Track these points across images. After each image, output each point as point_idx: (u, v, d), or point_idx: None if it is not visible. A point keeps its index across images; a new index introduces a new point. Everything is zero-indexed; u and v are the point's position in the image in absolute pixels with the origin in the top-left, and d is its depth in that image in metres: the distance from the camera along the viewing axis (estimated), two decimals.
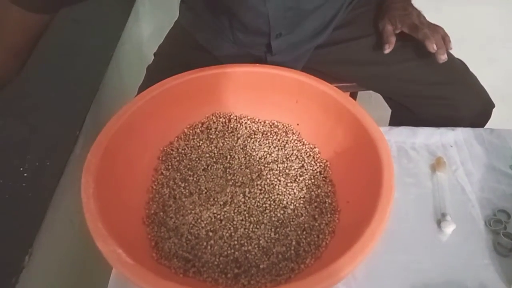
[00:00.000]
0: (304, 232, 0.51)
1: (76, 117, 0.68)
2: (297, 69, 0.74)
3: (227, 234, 0.50)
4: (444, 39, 0.66)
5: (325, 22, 0.72)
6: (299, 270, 0.48)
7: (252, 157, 0.59)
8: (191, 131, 0.62)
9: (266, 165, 0.58)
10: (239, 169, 0.58)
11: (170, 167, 0.58)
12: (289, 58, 0.73)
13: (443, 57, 0.64)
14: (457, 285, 0.51)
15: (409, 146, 0.66)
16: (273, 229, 0.51)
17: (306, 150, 0.60)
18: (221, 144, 0.61)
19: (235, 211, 0.52)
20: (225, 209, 0.53)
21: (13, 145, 0.62)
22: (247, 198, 0.54)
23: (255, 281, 0.47)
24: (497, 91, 0.78)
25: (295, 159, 0.59)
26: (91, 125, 0.72)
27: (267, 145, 0.61)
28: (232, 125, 0.63)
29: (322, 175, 0.57)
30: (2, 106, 0.66)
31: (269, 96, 0.63)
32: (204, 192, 0.55)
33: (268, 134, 0.62)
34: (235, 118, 0.64)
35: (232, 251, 0.49)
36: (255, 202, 0.53)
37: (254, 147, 0.61)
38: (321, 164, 0.59)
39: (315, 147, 0.61)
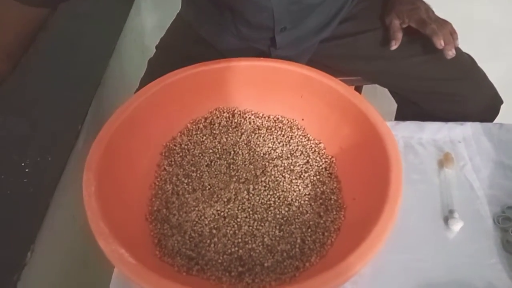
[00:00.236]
0: (309, 230, 0.50)
1: (78, 111, 0.67)
2: (302, 63, 0.73)
3: (231, 232, 0.49)
4: (452, 35, 0.64)
5: (330, 15, 0.70)
6: (304, 269, 0.47)
7: (256, 153, 0.58)
8: (194, 126, 0.61)
9: (270, 161, 0.57)
10: (243, 165, 0.57)
11: (173, 163, 0.57)
12: (294, 52, 0.72)
13: (451, 53, 0.63)
14: (464, 284, 0.50)
15: (416, 142, 0.65)
16: (277, 227, 0.50)
17: (311, 146, 0.59)
18: (225, 140, 0.60)
19: (239, 208, 0.52)
20: (229, 206, 0.52)
21: (14, 140, 0.61)
22: (251, 195, 0.53)
23: (259, 279, 0.46)
24: (506, 85, 0.76)
25: (300, 155, 0.58)
26: (93, 119, 0.71)
27: (271, 140, 0.60)
28: (236, 120, 0.62)
29: (328, 171, 0.56)
30: (2, 100, 0.65)
31: (274, 91, 0.62)
32: (207, 189, 0.54)
33: (273, 129, 0.61)
34: (239, 113, 0.63)
35: (236, 249, 0.48)
36: (259, 199, 0.52)
37: (258, 142, 0.59)
38: (326, 160, 0.58)
39: (320, 143, 0.60)
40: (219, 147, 0.59)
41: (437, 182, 0.60)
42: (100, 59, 0.78)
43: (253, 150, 0.59)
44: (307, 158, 0.58)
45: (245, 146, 0.59)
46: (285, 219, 0.51)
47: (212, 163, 0.57)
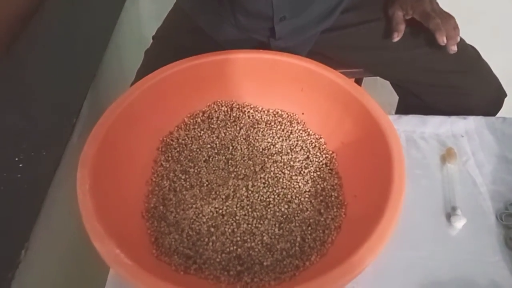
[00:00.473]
0: (309, 228, 0.49)
1: (73, 104, 0.66)
2: (303, 54, 0.71)
3: (229, 230, 0.48)
4: (454, 30, 0.63)
5: (332, 5, 0.69)
6: (304, 268, 0.46)
7: (255, 148, 0.57)
8: (191, 121, 0.60)
9: (269, 157, 0.56)
10: (242, 161, 0.56)
11: (170, 158, 0.56)
12: (294, 43, 0.70)
13: (454, 48, 0.62)
14: (467, 282, 0.49)
15: (418, 136, 0.64)
16: (277, 225, 0.49)
17: (311, 141, 0.58)
18: (223, 134, 0.58)
19: (238, 205, 0.51)
20: (227, 203, 0.51)
21: (7, 135, 0.59)
22: (250, 192, 0.52)
23: (258, 278, 0.45)
24: (510, 78, 0.75)
25: (300, 150, 0.57)
26: (89, 112, 0.69)
27: (270, 135, 0.59)
28: (234, 114, 0.61)
29: (328, 167, 0.55)
30: None
31: (273, 84, 0.60)
32: (205, 185, 0.53)
33: (272, 123, 0.60)
34: (237, 106, 0.61)
35: (235, 247, 0.47)
36: (258, 196, 0.51)
37: (257, 137, 0.58)
38: (327, 155, 0.56)
39: (320, 138, 0.59)
40: (217, 142, 0.58)
41: (439, 177, 0.59)
42: (95, 49, 0.76)
43: (252, 145, 0.57)
44: (307, 153, 0.57)
45: (244, 141, 0.58)
46: (284, 216, 0.50)
47: (210, 159, 0.56)
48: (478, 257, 0.51)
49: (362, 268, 0.39)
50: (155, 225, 0.49)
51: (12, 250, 0.49)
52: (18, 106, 0.63)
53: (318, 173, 0.54)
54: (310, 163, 0.56)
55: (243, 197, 0.51)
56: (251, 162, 0.55)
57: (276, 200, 0.51)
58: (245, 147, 0.57)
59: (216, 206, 0.50)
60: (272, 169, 0.54)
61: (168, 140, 0.58)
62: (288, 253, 0.47)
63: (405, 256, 0.50)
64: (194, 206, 0.51)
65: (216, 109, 0.61)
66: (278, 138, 0.58)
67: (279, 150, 0.57)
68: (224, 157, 0.56)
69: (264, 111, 0.61)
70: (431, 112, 0.66)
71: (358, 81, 0.90)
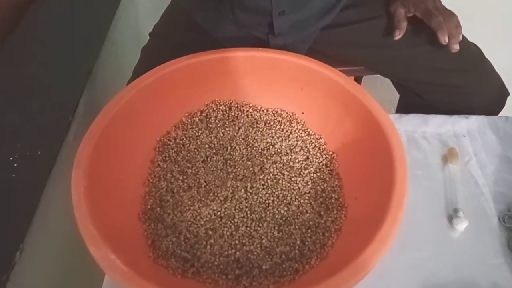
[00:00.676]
0: (309, 230, 0.48)
1: (68, 101, 0.65)
2: (302, 51, 0.70)
3: (227, 233, 0.47)
4: (456, 29, 0.61)
5: (332, 1, 0.67)
6: (304, 271, 0.45)
7: (254, 148, 0.56)
8: (189, 120, 0.59)
9: (269, 157, 0.55)
10: (241, 161, 0.55)
11: (167, 158, 0.55)
12: (293, 40, 0.69)
13: (456, 47, 0.61)
14: (469, 284, 0.48)
15: (419, 135, 0.63)
16: (276, 227, 0.48)
17: (311, 141, 0.57)
18: (221, 134, 0.57)
19: (236, 207, 0.50)
20: (225, 205, 0.50)
21: (1, 134, 0.58)
22: (249, 193, 0.51)
23: (257, 282, 0.44)
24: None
25: (300, 150, 0.56)
26: (85, 110, 0.68)
27: (270, 135, 0.58)
28: (233, 114, 0.59)
29: (328, 168, 0.54)
30: None
31: (273, 83, 0.59)
32: (203, 186, 0.52)
33: (271, 123, 0.59)
34: (236, 105, 0.60)
35: (233, 251, 0.46)
36: (257, 198, 0.50)
37: (256, 137, 0.57)
38: (327, 156, 0.56)
39: (321, 138, 0.58)
40: (215, 142, 0.57)
41: (441, 178, 0.58)
42: (92, 46, 0.75)
43: (251, 145, 0.56)
44: (307, 154, 0.56)
45: (242, 141, 0.57)
46: (284, 219, 0.49)
47: (208, 159, 0.55)
48: (480, 259, 0.50)
49: (365, 273, 0.39)
50: (152, 228, 0.49)
51: (6, 251, 0.48)
52: (13, 104, 0.62)
53: (318, 174, 0.54)
54: (310, 163, 0.55)
55: (242, 199, 0.50)
56: (250, 163, 0.54)
57: (276, 202, 0.50)
58: (243, 147, 0.56)
59: (214, 208, 0.50)
60: (272, 170, 0.53)
61: (165, 140, 0.57)
62: (287, 257, 0.46)
63: (406, 258, 0.50)
64: (191, 208, 0.50)
65: (214, 108, 0.60)
66: (278, 138, 0.57)
67: (279, 150, 0.56)
68: (222, 158, 0.55)
69: (263, 110, 0.60)
70: (432, 111, 0.65)
71: (358, 79, 0.89)
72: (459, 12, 0.64)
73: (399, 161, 0.46)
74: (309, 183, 0.53)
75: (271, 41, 0.68)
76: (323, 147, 0.57)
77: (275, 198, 0.51)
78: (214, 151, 0.56)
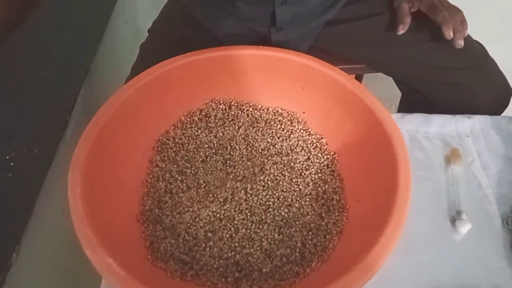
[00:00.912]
0: (310, 233, 0.48)
1: (65, 99, 0.64)
2: (304, 48, 0.69)
3: (227, 235, 0.47)
4: (462, 24, 0.60)
5: None
6: (304, 274, 0.45)
7: (254, 148, 0.55)
8: (188, 119, 0.58)
9: (269, 158, 0.54)
10: (241, 162, 0.54)
11: (166, 158, 0.54)
12: (295, 35, 0.67)
13: (461, 43, 0.60)
14: None
15: (422, 135, 0.62)
16: (276, 230, 0.48)
17: (312, 141, 0.56)
18: (221, 134, 0.56)
19: (236, 209, 0.49)
20: (225, 207, 0.49)
21: None
22: (249, 195, 0.50)
23: (257, 286, 0.44)
24: None
25: (301, 150, 0.55)
26: (83, 108, 0.67)
27: (270, 135, 0.57)
28: (233, 113, 0.59)
29: (330, 169, 0.54)
30: None
31: (273, 82, 0.58)
32: (202, 187, 0.51)
33: (272, 122, 0.58)
34: (236, 104, 0.59)
35: (233, 253, 0.46)
36: (257, 200, 0.50)
37: (256, 137, 0.56)
38: (328, 156, 0.55)
39: (322, 138, 0.57)
40: (215, 142, 0.56)
41: (444, 179, 0.57)
42: (89, 43, 0.74)
43: (251, 145, 0.55)
44: (308, 154, 0.55)
45: (242, 140, 0.56)
46: (284, 221, 0.48)
47: (208, 159, 0.54)
48: (483, 262, 0.49)
49: (369, 277, 0.38)
50: (150, 229, 0.48)
51: (3, 253, 0.48)
52: (8, 102, 0.61)
53: (319, 175, 0.53)
54: (311, 164, 0.54)
55: (242, 201, 0.49)
56: (250, 163, 0.53)
57: (276, 204, 0.49)
58: (244, 147, 0.55)
59: (214, 209, 0.49)
60: (272, 171, 0.52)
61: (164, 139, 0.56)
62: (288, 259, 0.46)
63: (408, 261, 0.49)
64: (191, 209, 0.49)
65: (214, 107, 0.59)
66: (278, 138, 0.56)
67: (279, 150, 0.55)
68: (222, 158, 0.54)
69: (263, 110, 0.59)
70: (434, 110, 0.64)
71: (359, 77, 0.88)
72: (464, 9, 0.63)
73: (402, 162, 0.45)
74: (310, 184, 0.52)
75: (273, 36, 0.67)
76: (325, 147, 0.56)
77: (276, 199, 0.50)
78: (213, 151, 0.55)
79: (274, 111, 0.59)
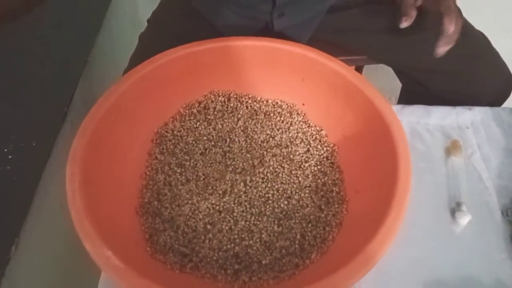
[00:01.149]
0: (310, 225, 0.47)
1: (64, 91, 0.63)
2: (306, 36, 0.68)
3: (226, 227, 0.47)
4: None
5: None
6: (304, 266, 0.44)
7: (254, 140, 0.55)
8: (187, 111, 0.57)
9: (268, 150, 0.54)
10: (240, 154, 0.53)
11: (165, 150, 0.54)
12: (298, 21, 0.66)
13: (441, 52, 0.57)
14: (471, 280, 0.48)
15: (422, 127, 0.61)
16: (276, 222, 0.47)
17: (312, 133, 0.56)
18: (220, 126, 0.56)
19: (235, 201, 0.49)
20: (224, 199, 0.49)
21: None
22: (248, 187, 0.50)
23: (256, 277, 0.43)
24: None
25: (300, 142, 0.55)
26: (81, 100, 0.67)
27: (270, 127, 0.56)
28: (232, 105, 0.58)
29: (329, 161, 0.53)
30: None
31: (273, 73, 0.58)
32: (201, 179, 0.51)
33: (271, 114, 0.58)
34: (235, 96, 0.59)
35: (232, 245, 0.46)
36: (257, 192, 0.49)
37: (255, 129, 0.56)
38: (328, 148, 0.54)
39: (321, 130, 0.56)
40: (214, 134, 0.55)
41: (444, 171, 0.57)
42: (87, 34, 0.73)
43: (250, 137, 0.55)
44: (308, 146, 0.55)
45: (241, 133, 0.56)
46: (284, 213, 0.48)
47: (207, 151, 0.54)
48: (483, 255, 0.49)
49: (369, 268, 0.38)
50: (149, 222, 0.48)
51: (2, 246, 0.48)
52: (6, 94, 0.61)
53: (319, 167, 0.52)
54: (310, 156, 0.53)
55: (241, 193, 0.49)
56: (249, 155, 0.53)
57: (275, 196, 0.49)
58: (243, 139, 0.55)
59: (213, 202, 0.49)
60: (271, 163, 0.52)
61: (162, 131, 0.55)
62: (287, 251, 0.46)
63: (407, 253, 0.49)
64: (190, 202, 0.49)
65: (213, 99, 0.58)
66: (278, 130, 0.56)
67: (279, 142, 0.55)
68: (221, 150, 0.54)
69: (263, 101, 0.59)
70: (435, 101, 0.64)
71: (359, 68, 0.88)
72: (468, 2, 0.61)
73: (402, 154, 0.45)
74: (309, 176, 0.51)
75: (275, 22, 0.66)
76: (324, 139, 0.55)
77: (275, 191, 0.50)
78: (212, 143, 0.55)
79: (273, 103, 0.59)
